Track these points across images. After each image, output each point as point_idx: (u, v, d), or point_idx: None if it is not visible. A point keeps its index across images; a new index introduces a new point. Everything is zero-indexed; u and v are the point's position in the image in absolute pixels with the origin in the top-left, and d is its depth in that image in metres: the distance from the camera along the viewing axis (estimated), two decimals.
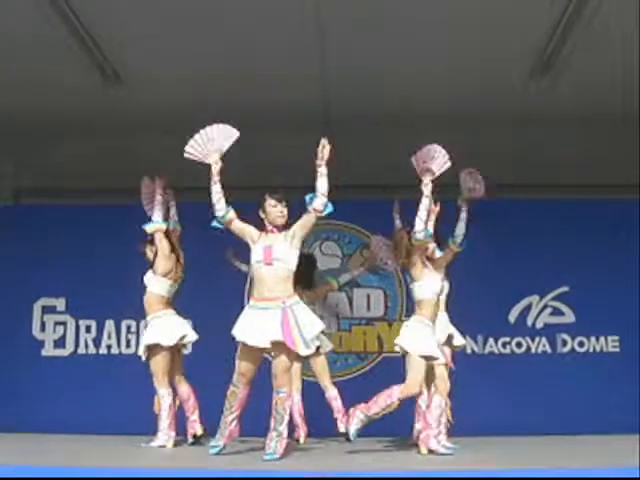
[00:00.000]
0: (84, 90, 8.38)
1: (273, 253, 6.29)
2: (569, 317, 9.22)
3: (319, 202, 6.28)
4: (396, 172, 8.42)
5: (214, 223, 6.44)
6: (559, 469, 5.41)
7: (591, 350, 9.15)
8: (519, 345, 9.22)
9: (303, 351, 6.28)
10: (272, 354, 6.33)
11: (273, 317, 6.22)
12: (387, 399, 6.50)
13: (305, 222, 6.38)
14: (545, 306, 9.26)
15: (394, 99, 8.63)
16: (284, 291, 6.29)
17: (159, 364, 7.29)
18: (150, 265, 7.52)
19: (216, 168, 6.42)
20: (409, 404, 6.92)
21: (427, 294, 6.73)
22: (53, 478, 4.97)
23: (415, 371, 6.56)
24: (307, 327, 6.27)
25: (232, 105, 8.06)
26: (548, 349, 9.19)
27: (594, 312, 9.10)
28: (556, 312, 9.23)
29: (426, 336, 6.66)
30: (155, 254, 7.49)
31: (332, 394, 7.91)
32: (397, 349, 6.74)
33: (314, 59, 7.99)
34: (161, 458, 6.53)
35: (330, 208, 6.33)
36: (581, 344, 9.19)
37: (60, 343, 9.28)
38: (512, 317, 9.20)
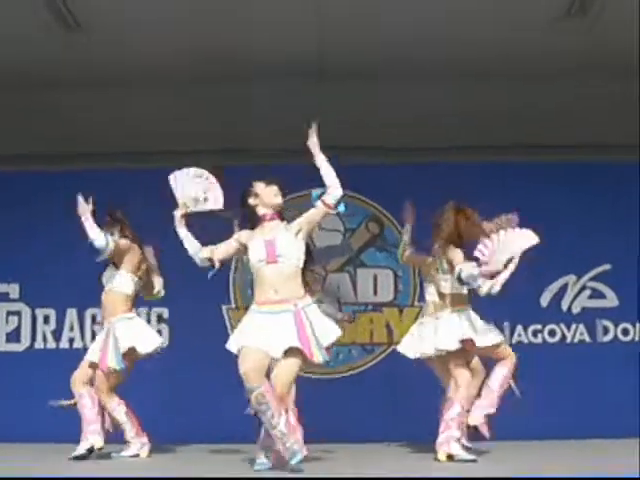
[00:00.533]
0: (39, 39, 7.85)
1: (277, 249, 5.95)
2: (611, 300, 8.85)
3: (331, 196, 6.07)
4: (401, 131, 8.63)
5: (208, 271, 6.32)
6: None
7: (637, 339, 8.78)
8: (552, 333, 8.86)
9: (319, 359, 5.91)
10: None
11: (285, 322, 5.87)
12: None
13: (313, 216, 6.12)
14: (583, 287, 8.91)
15: (402, 47, 8.18)
16: (293, 291, 5.95)
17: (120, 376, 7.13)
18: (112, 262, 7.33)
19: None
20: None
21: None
22: None
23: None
24: (322, 334, 5.93)
25: (213, 58, 8.05)
26: (587, 338, 8.84)
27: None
28: (596, 294, 8.90)
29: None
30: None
31: None
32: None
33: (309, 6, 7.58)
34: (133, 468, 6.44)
35: (342, 207, 6.23)
36: (625, 332, 8.81)
37: (13, 336, 8.92)
38: (544, 301, 8.83)
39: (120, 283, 7.14)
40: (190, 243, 6.15)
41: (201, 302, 8.51)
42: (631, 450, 6.74)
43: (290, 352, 5.79)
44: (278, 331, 5.82)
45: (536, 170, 8.71)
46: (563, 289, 8.84)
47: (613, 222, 8.71)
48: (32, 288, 8.78)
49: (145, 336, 7.09)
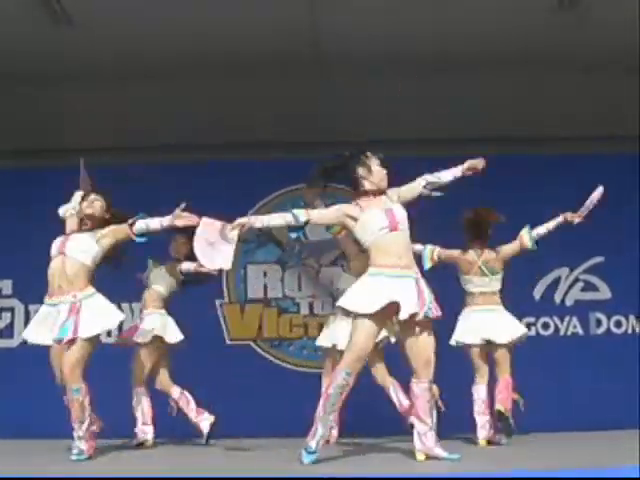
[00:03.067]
0: (29, 32, 7.77)
1: (396, 217, 5.96)
2: (604, 293, 8.89)
3: (432, 176, 6.20)
4: (398, 125, 8.65)
5: (294, 235, 6.13)
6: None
7: (630, 331, 8.78)
8: (546, 326, 8.89)
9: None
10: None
11: (409, 287, 5.83)
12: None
13: (412, 189, 6.19)
14: (576, 280, 8.95)
15: (402, 38, 8.09)
16: (412, 260, 5.98)
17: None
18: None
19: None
20: None
21: None
22: None
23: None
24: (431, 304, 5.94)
25: (207, 50, 7.99)
26: (580, 330, 8.85)
27: (633, 286, 8.69)
28: (589, 287, 8.93)
29: None
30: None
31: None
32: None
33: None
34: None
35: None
36: (618, 324, 8.83)
37: (7, 332, 8.91)
38: (537, 293, 8.88)
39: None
40: (277, 219, 6.04)
41: (195, 297, 8.34)
42: (627, 441, 6.71)
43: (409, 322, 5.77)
44: (403, 295, 5.76)
45: (528, 162, 8.71)
46: (556, 282, 8.85)
47: (606, 214, 8.26)
48: (25, 284, 8.66)
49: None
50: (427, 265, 7.15)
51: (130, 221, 6.38)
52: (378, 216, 5.90)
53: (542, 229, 7.23)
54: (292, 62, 8.26)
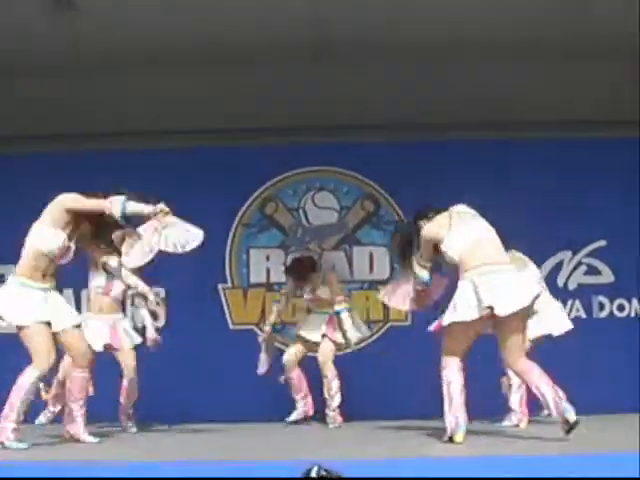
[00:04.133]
0: (30, 18, 7.69)
1: None
2: (607, 276, 8.83)
3: None
4: (400, 109, 8.56)
5: None
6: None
7: (633, 314, 8.78)
8: None
9: None
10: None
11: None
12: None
13: None
14: (579, 263, 8.88)
15: (403, 22, 8.04)
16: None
17: None
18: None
19: None
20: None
21: None
22: None
23: None
24: None
25: (210, 35, 7.89)
26: (582, 314, 8.82)
27: (635, 270, 8.70)
28: (591, 270, 8.86)
29: None
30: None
31: None
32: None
33: None
34: None
35: None
36: (621, 308, 8.82)
37: None
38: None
39: None
40: None
41: (198, 281, 8.55)
42: (629, 425, 6.76)
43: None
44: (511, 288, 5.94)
45: (532, 147, 8.68)
46: (559, 265, 8.79)
47: (608, 198, 8.66)
48: None
49: None
50: None
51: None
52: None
53: None
54: (292, 48, 8.19)
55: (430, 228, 6.24)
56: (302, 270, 8.12)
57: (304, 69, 8.41)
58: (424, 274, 6.31)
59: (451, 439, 5.89)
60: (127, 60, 8.28)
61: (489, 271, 5.96)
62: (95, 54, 8.26)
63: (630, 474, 4.21)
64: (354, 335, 7.91)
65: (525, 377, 6.14)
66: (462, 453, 5.59)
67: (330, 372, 7.86)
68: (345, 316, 7.86)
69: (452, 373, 6.02)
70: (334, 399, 7.79)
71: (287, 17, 7.87)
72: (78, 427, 6.07)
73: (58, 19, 7.64)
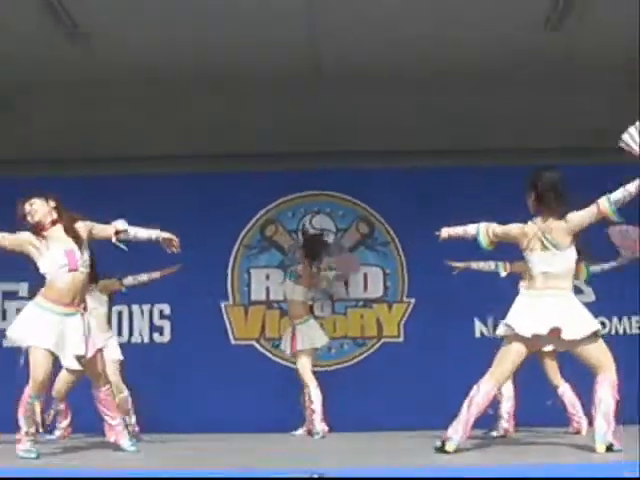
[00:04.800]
0: (39, 43, 7.96)
1: None
2: (588, 296, 8.64)
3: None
4: (394, 136, 8.70)
5: None
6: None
7: (613, 332, 8.91)
8: None
9: None
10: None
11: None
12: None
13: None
14: None
15: (395, 55, 8.34)
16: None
17: None
18: None
19: None
20: None
21: None
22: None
23: None
24: None
25: (212, 65, 8.18)
26: None
27: (615, 290, 8.73)
28: (575, 290, 7.85)
29: None
30: None
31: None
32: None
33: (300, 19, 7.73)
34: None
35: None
36: (602, 325, 8.33)
37: None
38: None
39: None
40: None
41: (202, 299, 8.65)
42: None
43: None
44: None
45: (517, 173, 8.07)
46: None
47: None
48: (39, 286, 7.92)
49: None
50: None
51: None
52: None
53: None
54: (292, 76, 8.40)
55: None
56: (316, 245, 8.06)
57: (302, 100, 8.60)
58: None
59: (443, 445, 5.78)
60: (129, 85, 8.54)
61: None
62: (101, 84, 8.50)
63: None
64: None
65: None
66: (453, 463, 5.46)
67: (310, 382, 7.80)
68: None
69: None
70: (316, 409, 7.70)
71: (287, 50, 8.08)
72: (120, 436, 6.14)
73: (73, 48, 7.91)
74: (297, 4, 7.55)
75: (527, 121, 8.84)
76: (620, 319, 8.92)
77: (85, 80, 8.53)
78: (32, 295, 8.39)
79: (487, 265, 7.73)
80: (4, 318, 8.91)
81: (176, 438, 7.45)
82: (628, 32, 7.65)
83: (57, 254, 5.84)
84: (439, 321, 8.59)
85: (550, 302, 5.80)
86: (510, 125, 8.79)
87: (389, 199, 8.13)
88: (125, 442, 6.05)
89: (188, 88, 8.58)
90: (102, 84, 8.56)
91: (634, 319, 8.93)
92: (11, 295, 8.94)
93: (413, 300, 8.84)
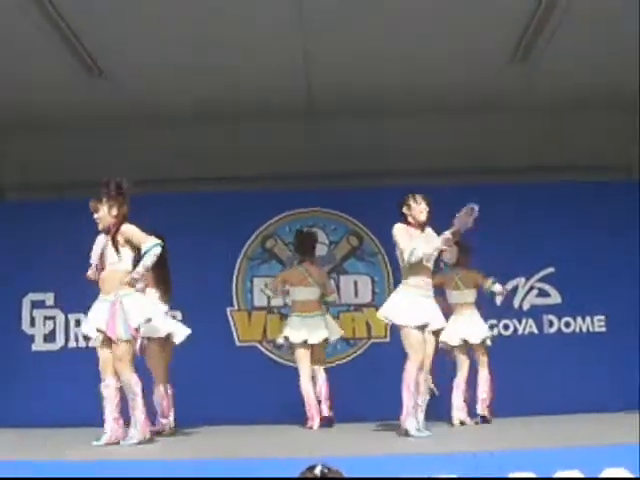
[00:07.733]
0: (67, 84, 8.48)
1: None
2: (555, 298, 9.27)
3: None
4: (382, 158, 9.23)
5: None
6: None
7: (577, 330, 9.25)
8: (506, 327, 9.31)
9: None
10: None
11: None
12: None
13: None
14: (531, 288, 9.33)
15: (379, 86, 8.74)
16: None
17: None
18: None
19: None
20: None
21: None
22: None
23: None
24: None
25: (215, 97, 8.58)
26: (535, 330, 9.27)
27: (580, 292, 9.17)
28: (542, 293, 9.30)
29: None
30: None
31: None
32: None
33: (297, 51, 8.09)
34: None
35: None
36: (567, 324, 9.29)
37: (50, 337, 9.30)
38: (499, 300, 9.08)
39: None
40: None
41: (209, 305, 8.98)
42: (571, 421, 7.36)
43: None
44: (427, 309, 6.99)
45: (499, 192, 9.20)
46: (514, 289, 9.17)
47: (556, 232, 9.14)
48: (65, 296, 9.07)
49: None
50: None
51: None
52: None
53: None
54: (288, 108, 8.86)
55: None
56: (307, 241, 8.29)
57: (298, 129, 9.16)
58: None
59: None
60: (145, 117, 9.03)
61: None
62: (112, 115, 8.99)
63: None
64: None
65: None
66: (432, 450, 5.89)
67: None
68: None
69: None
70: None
71: (282, 80, 8.51)
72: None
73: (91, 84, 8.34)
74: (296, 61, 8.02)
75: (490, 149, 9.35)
76: (584, 319, 9.22)
77: (103, 116, 9.00)
78: (57, 304, 9.23)
79: None
80: (32, 325, 9.26)
81: (193, 431, 7.74)
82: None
83: None
84: None
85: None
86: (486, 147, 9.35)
87: (376, 215, 8.33)
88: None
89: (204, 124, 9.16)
90: (115, 116, 9.03)
91: (596, 318, 9.24)
92: (39, 304, 9.24)
93: None
